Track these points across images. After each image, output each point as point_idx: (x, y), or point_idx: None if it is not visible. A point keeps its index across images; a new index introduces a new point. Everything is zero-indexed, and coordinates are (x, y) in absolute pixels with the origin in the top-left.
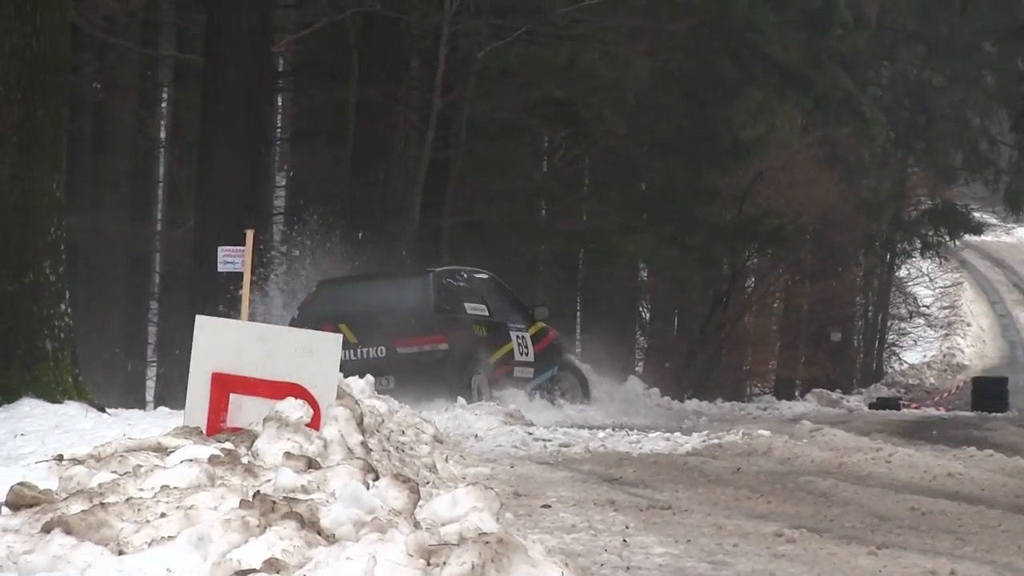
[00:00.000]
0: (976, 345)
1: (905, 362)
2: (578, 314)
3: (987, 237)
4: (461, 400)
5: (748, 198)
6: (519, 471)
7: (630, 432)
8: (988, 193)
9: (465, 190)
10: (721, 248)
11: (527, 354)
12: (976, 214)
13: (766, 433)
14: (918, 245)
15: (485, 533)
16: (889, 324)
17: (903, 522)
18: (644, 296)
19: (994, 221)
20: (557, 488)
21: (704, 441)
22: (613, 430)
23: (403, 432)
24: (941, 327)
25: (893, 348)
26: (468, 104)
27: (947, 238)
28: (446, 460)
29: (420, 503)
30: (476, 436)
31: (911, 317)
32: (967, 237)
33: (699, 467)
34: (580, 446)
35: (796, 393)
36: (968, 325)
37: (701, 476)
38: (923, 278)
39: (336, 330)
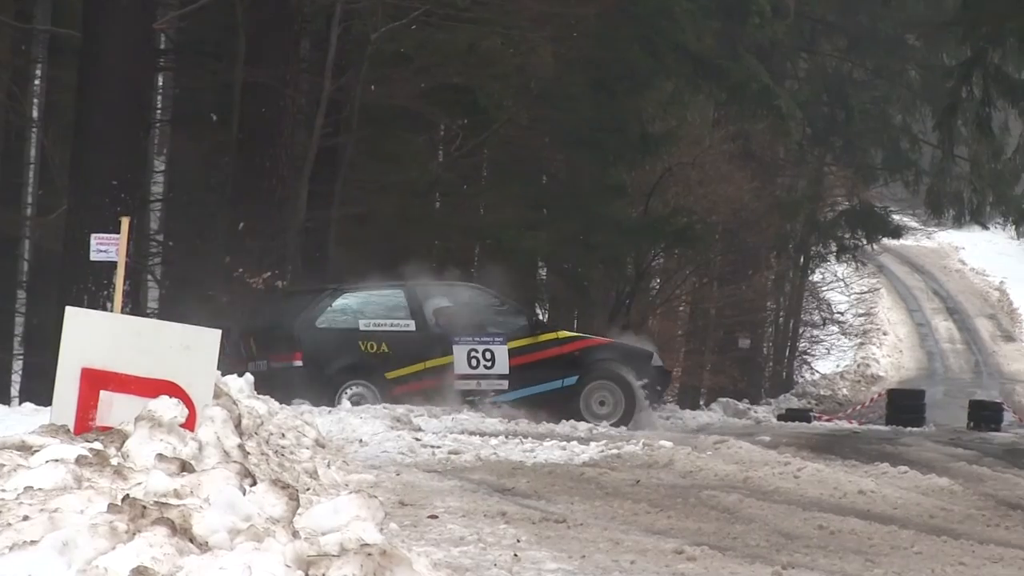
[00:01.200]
0: (892, 355)
1: (817, 372)
2: None
3: (907, 241)
4: (346, 403)
5: (656, 195)
6: (405, 479)
7: (524, 440)
8: (909, 195)
9: (356, 180)
10: (626, 247)
11: (486, 367)
12: (895, 217)
13: (668, 444)
14: (833, 248)
15: (368, 544)
16: (801, 331)
17: (811, 541)
18: (543, 296)
19: (914, 225)
20: (445, 498)
21: (602, 451)
22: (506, 437)
23: (283, 435)
24: (856, 335)
25: (805, 357)
26: (361, 89)
27: (864, 241)
28: (328, 466)
29: (300, 511)
30: (361, 441)
31: (824, 324)
32: (885, 241)
33: (596, 478)
34: (471, 454)
35: (701, 402)
36: (884, 334)
37: (598, 488)
38: (838, 283)
39: (248, 342)
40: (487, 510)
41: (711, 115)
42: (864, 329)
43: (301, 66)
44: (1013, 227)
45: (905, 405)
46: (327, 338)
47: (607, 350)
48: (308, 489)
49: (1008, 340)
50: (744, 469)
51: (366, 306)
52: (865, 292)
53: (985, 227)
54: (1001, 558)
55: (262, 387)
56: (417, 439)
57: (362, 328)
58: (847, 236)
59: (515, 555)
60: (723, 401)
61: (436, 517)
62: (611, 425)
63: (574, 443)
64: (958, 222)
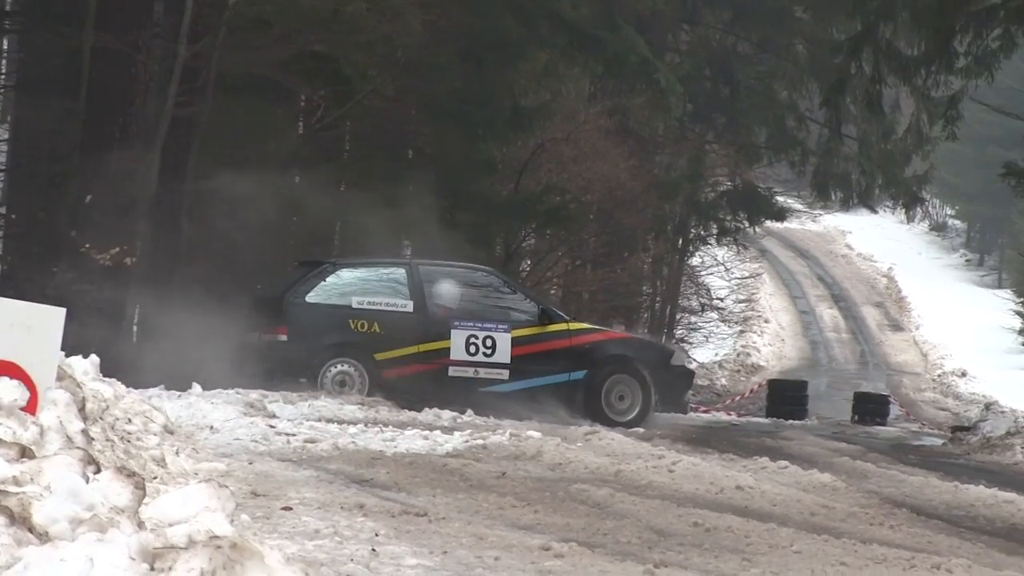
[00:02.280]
0: (774, 344)
1: (695, 360)
2: None
3: (791, 224)
4: (196, 387)
5: (527, 172)
6: (258, 468)
7: (384, 428)
8: (794, 176)
9: (211, 153)
10: (495, 226)
11: (486, 355)
12: (780, 198)
13: (536, 434)
14: (714, 230)
15: (217, 536)
16: (679, 317)
17: (685, 539)
18: None
19: (799, 207)
20: (300, 489)
21: (467, 441)
22: (366, 425)
23: (130, 420)
24: (736, 323)
25: (682, 344)
26: (217, 56)
27: (747, 224)
28: (177, 453)
29: (146, 500)
30: (212, 427)
31: (703, 311)
32: (769, 224)
33: (460, 470)
34: (328, 442)
35: None
36: (766, 322)
37: (462, 480)
38: (718, 267)
39: (251, 311)
40: (344, 502)
41: (587, 89)
42: (745, 316)
43: (154, 31)
44: (903, 211)
45: (787, 397)
46: (315, 314)
47: (622, 344)
48: (155, 478)
49: (896, 330)
50: (616, 462)
51: (363, 283)
52: (747, 277)
53: (873, 211)
54: (885, 558)
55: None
56: (271, 426)
57: (354, 306)
58: (728, 218)
59: (373, 550)
60: None
61: (290, 509)
62: (624, 424)
63: (437, 432)
64: (845, 205)
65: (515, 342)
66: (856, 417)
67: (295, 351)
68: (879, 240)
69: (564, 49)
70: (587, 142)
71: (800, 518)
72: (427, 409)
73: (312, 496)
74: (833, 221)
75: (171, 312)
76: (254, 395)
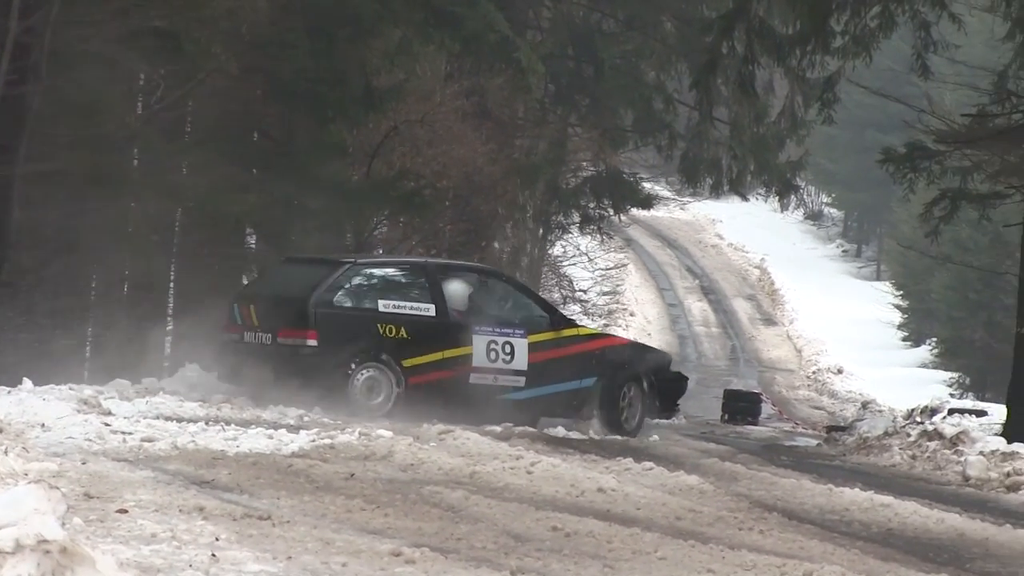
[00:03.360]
0: (640, 338)
1: None
2: (171, 285)
3: (658, 212)
4: (27, 383)
5: (380, 155)
6: (92, 468)
7: (226, 426)
8: (661, 161)
9: (44, 133)
10: (345, 213)
11: (505, 361)
12: (647, 185)
13: (387, 434)
14: (577, 218)
15: (47, 540)
16: None
17: (544, 544)
18: (252, 266)
19: (667, 194)
20: (137, 490)
21: (313, 440)
22: (207, 423)
23: None
24: (600, 316)
25: None
26: (51, 31)
27: (611, 211)
28: (5, 452)
29: None
30: (43, 425)
31: (565, 303)
32: (635, 211)
33: (306, 471)
34: (166, 441)
35: None
36: (632, 315)
37: (308, 482)
38: (581, 258)
39: (246, 310)
40: (183, 504)
41: (443, 68)
42: (609, 309)
43: None
44: (776, 198)
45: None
46: (344, 317)
47: (629, 350)
48: None
49: (768, 324)
50: (471, 463)
51: (385, 285)
52: (611, 268)
53: (745, 198)
54: (754, 565)
55: (262, 362)
56: (107, 424)
57: (381, 309)
58: (592, 205)
59: (213, 555)
60: None
61: (126, 511)
62: (628, 433)
63: (282, 431)
64: (716, 192)
65: (531, 348)
66: (726, 416)
67: (326, 356)
68: (751, 229)
69: (419, 26)
70: (443, 125)
71: (665, 522)
72: (272, 406)
73: (149, 498)
74: (703, 209)
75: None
76: (88, 391)
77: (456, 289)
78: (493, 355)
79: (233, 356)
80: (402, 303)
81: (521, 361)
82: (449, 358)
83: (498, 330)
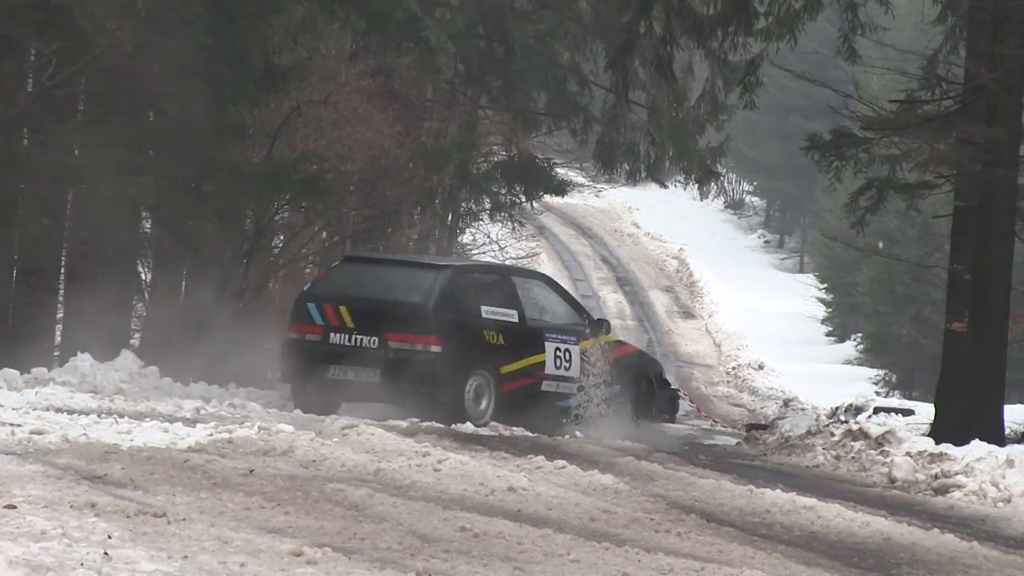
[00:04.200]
0: None
1: None
2: (63, 271)
3: (572, 199)
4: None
5: (281, 137)
6: None
7: (120, 419)
8: (576, 146)
9: None
10: (245, 197)
11: (567, 368)
12: (560, 171)
13: (288, 428)
14: (487, 205)
15: None
16: None
17: (451, 545)
18: (146, 252)
19: (582, 180)
20: (26, 485)
21: (211, 435)
22: (99, 416)
23: None
24: None
25: None
26: None
27: (523, 198)
28: None
29: None
30: None
31: None
32: (548, 198)
33: (203, 466)
34: (57, 434)
35: None
36: None
37: (205, 478)
38: (491, 246)
39: (337, 312)
40: (74, 500)
41: (348, 46)
42: None
43: None
44: (695, 186)
45: None
46: (461, 323)
47: (639, 358)
48: None
49: (687, 317)
50: (376, 459)
51: (481, 290)
52: (523, 257)
53: (663, 185)
54: (671, 569)
55: (363, 365)
56: None
57: (484, 315)
58: (503, 191)
59: (105, 553)
60: None
61: (14, 507)
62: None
63: (178, 424)
64: (632, 179)
65: (581, 355)
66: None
67: (447, 362)
68: (669, 218)
69: (323, 2)
70: (348, 106)
71: (578, 524)
72: (168, 398)
73: (39, 494)
74: (619, 196)
75: None
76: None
77: (532, 295)
78: (558, 362)
79: (310, 357)
80: (497, 309)
81: (575, 369)
82: (531, 365)
83: (561, 337)
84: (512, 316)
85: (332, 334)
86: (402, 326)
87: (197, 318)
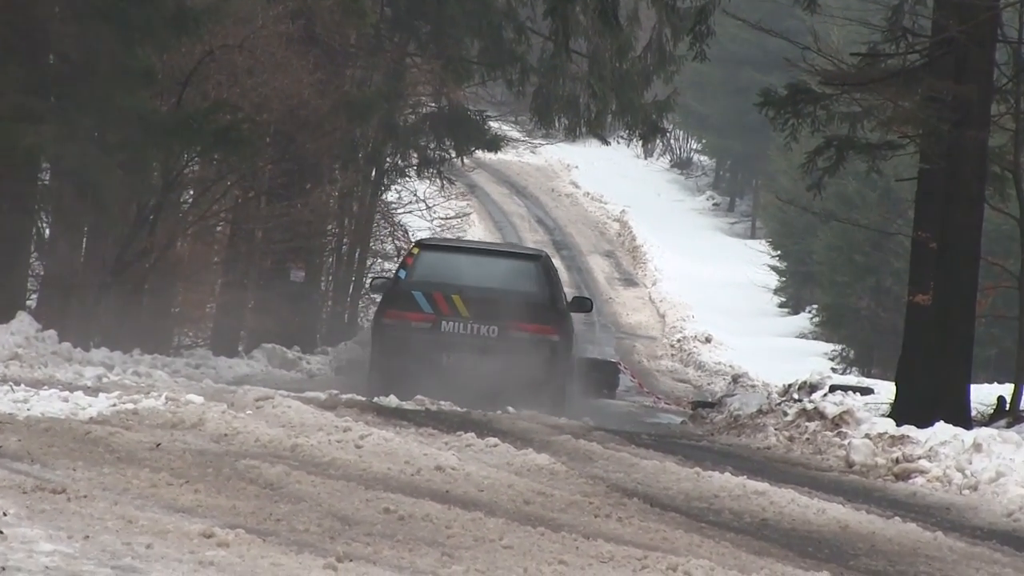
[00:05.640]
0: None
1: None
2: None
3: (506, 156)
4: None
5: (193, 84)
6: None
7: (15, 387)
8: (511, 98)
9: None
10: (152, 148)
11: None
12: (494, 124)
13: (197, 399)
14: (414, 160)
15: None
16: (370, 264)
17: (374, 528)
18: (44, 206)
19: (517, 135)
20: None
21: (114, 405)
22: None
23: None
24: None
25: (374, 296)
26: None
27: (453, 154)
28: None
29: None
30: None
31: (399, 255)
32: (480, 154)
33: (106, 440)
34: None
35: (240, 348)
36: None
37: (108, 452)
38: (419, 204)
39: (449, 301)
40: None
41: None
42: None
43: None
44: (639, 143)
45: None
46: (564, 312)
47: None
48: None
49: (628, 284)
50: (293, 434)
51: (557, 278)
52: (452, 218)
53: (605, 141)
54: (612, 557)
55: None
56: None
57: (566, 304)
58: (432, 146)
59: (0, 532)
60: (268, 347)
61: None
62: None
63: (79, 393)
64: (571, 134)
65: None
66: (580, 387)
67: (564, 351)
68: (611, 178)
69: None
70: (265, 51)
71: (512, 507)
72: (67, 364)
73: None
74: (557, 153)
75: None
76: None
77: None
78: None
79: (421, 343)
80: (563, 295)
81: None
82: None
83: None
84: (565, 300)
85: (444, 322)
86: (524, 316)
87: (99, 278)
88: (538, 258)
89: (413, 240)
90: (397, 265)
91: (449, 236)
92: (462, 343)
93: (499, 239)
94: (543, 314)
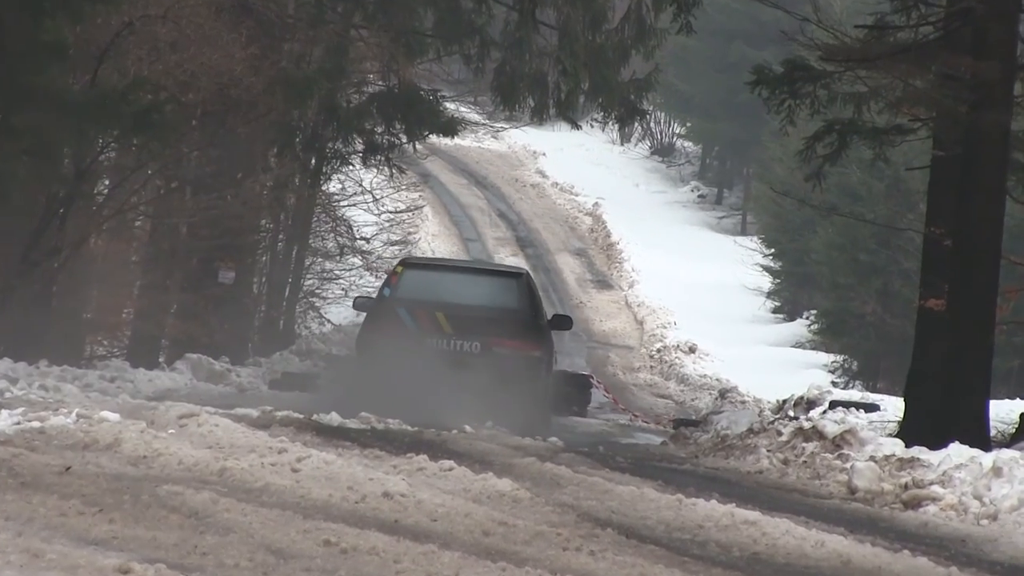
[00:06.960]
0: None
1: (330, 322)
2: None
3: (464, 141)
4: None
5: (110, 60)
6: None
7: None
8: (470, 76)
9: None
10: (63, 132)
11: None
12: (450, 106)
13: (113, 417)
14: (359, 147)
15: None
16: (309, 263)
17: (313, 562)
18: None
19: (476, 118)
20: None
21: (18, 423)
22: None
23: None
24: (386, 271)
25: (313, 299)
26: None
27: (404, 139)
28: None
29: None
30: None
31: (342, 254)
32: (434, 139)
33: (8, 462)
34: None
35: (161, 359)
36: None
37: (11, 476)
38: (364, 196)
39: (433, 318)
40: None
41: None
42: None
43: None
44: (615, 127)
45: None
46: (544, 328)
47: None
48: None
49: (602, 287)
50: (221, 456)
51: (536, 296)
52: (402, 211)
53: (577, 125)
54: None
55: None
56: None
57: (546, 321)
58: (379, 130)
59: None
60: (193, 358)
61: None
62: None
63: None
64: (538, 117)
65: None
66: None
67: (546, 367)
68: (583, 166)
69: None
70: (191, 22)
71: (469, 538)
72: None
73: None
74: (521, 139)
75: None
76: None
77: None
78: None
79: (405, 359)
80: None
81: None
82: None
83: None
84: (546, 317)
85: (428, 339)
86: (506, 332)
87: (2, 280)
88: (520, 276)
89: (357, 235)
90: (381, 283)
91: (432, 256)
92: (445, 359)
93: (455, 234)
94: (525, 331)
